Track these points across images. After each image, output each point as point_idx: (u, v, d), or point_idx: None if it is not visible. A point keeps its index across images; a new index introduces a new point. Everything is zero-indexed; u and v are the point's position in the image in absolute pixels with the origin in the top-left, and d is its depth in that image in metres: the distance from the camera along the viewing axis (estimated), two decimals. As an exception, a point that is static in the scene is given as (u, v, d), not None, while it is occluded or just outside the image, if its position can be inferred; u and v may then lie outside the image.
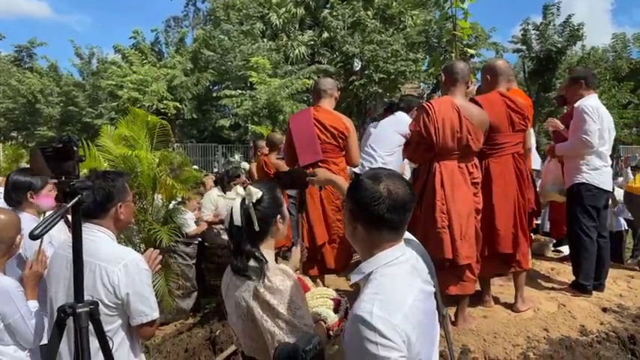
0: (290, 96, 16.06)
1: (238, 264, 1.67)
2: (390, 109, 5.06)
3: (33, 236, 1.43)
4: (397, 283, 1.35)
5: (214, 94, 18.59)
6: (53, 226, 1.45)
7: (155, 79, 17.59)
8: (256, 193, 1.71)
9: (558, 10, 18.93)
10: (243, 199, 1.71)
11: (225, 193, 6.08)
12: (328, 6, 18.70)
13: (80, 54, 21.94)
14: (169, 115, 16.86)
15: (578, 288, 4.01)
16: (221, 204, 5.97)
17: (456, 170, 3.24)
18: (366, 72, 17.31)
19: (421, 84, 20.23)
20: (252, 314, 1.64)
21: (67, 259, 1.97)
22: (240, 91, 16.55)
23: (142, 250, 4.71)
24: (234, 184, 6.03)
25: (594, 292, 4.01)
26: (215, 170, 16.77)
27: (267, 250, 1.76)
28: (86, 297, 1.68)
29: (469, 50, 5.59)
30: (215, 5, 22.94)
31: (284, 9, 18.88)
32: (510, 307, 3.68)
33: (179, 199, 5.58)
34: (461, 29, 4.70)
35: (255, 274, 1.65)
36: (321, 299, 1.84)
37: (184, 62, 19.01)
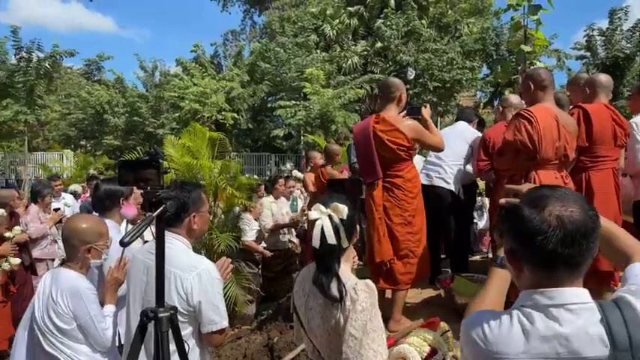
0: (342, 106, 16.19)
1: (330, 290, 1.63)
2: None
3: (123, 243, 1.53)
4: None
5: (269, 105, 19.03)
6: (141, 233, 1.54)
7: (214, 91, 18.18)
8: (343, 208, 1.67)
9: (626, 14, 17.93)
10: (330, 217, 1.66)
11: (273, 198, 6.22)
12: (382, 16, 18.72)
13: (144, 67, 23.00)
14: (227, 125, 17.38)
15: None
16: (275, 209, 6.09)
17: (555, 181, 3.10)
18: (420, 80, 17.14)
19: (478, 92, 19.76)
20: (339, 328, 1.63)
21: (144, 265, 2.06)
22: (294, 102, 16.87)
23: (202, 255, 4.88)
24: (278, 187, 6.31)
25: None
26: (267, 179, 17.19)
27: (346, 264, 1.74)
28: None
29: (541, 63, 5.40)
30: (271, 18, 23.58)
31: (337, 20, 19.09)
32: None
33: (240, 207, 5.75)
34: (536, 40, 4.56)
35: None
36: (418, 340, 1.79)
37: (241, 74, 19.56)
